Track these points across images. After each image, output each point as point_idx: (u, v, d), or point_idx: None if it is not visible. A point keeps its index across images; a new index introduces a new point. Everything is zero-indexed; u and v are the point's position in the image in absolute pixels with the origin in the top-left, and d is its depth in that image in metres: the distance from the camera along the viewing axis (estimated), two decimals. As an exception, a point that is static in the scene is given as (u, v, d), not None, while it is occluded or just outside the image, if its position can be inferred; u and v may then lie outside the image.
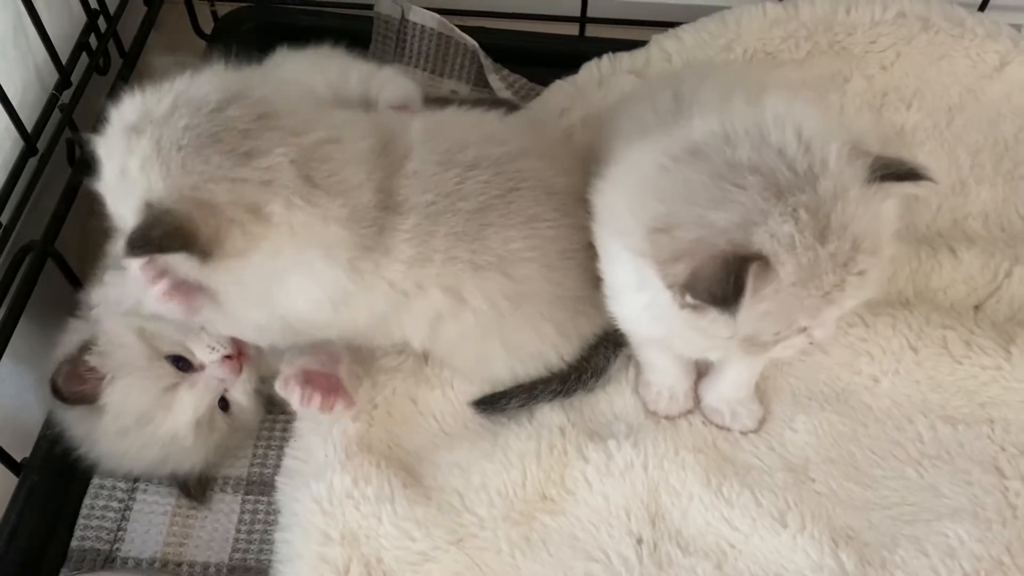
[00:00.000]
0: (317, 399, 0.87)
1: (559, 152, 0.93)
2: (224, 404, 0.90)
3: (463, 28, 1.24)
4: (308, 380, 0.88)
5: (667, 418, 0.93)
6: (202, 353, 0.88)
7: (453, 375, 0.96)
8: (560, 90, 1.18)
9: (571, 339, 0.91)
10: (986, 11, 1.23)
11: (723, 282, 0.64)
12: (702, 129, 0.71)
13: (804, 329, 0.72)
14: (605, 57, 1.19)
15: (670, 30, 1.20)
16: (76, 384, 0.85)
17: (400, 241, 0.80)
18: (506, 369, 0.92)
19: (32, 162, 0.97)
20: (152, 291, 0.79)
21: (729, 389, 0.91)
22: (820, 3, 1.19)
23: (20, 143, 0.97)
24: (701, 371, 0.93)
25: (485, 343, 0.89)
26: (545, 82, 1.21)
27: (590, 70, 1.19)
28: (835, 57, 1.18)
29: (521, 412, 0.92)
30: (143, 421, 0.85)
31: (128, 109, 0.74)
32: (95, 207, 0.96)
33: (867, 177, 0.67)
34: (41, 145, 0.99)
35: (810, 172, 0.66)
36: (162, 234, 0.70)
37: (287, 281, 0.78)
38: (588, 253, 0.86)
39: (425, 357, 0.97)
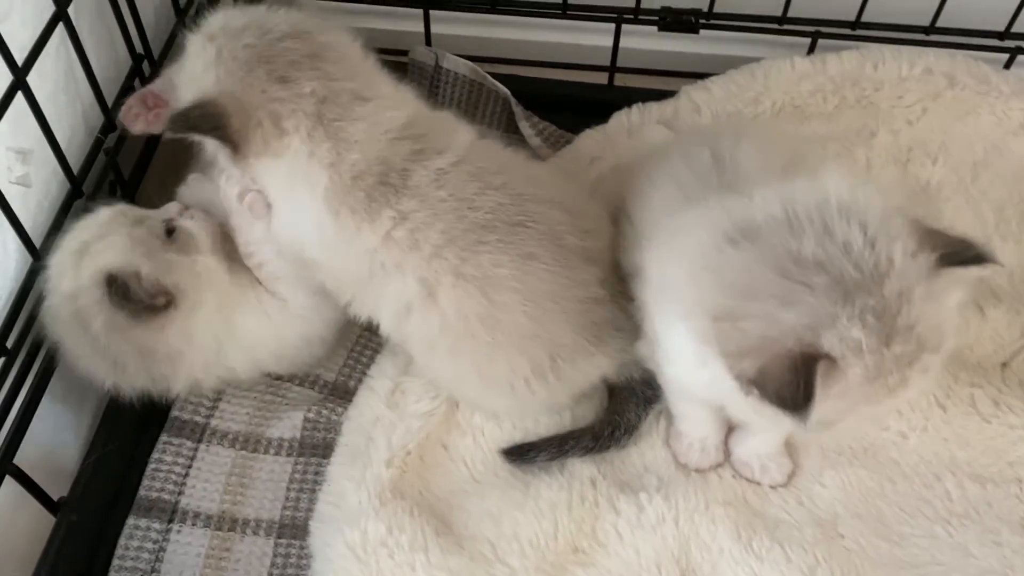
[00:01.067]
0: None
1: (587, 211, 0.94)
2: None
3: (495, 75, 1.26)
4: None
5: (697, 471, 0.93)
6: (171, 213, 0.95)
7: (484, 422, 0.97)
8: (590, 139, 1.20)
9: (548, 381, 0.90)
10: (1012, 68, 1.25)
11: (792, 385, 0.65)
12: (762, 210, 0.71)
13: None
14: (635, 107, 1.21)
15: (699, 82, 1.22)
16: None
17: (387, 218, 0.86)
18: (479, 395, 0.94)
19: (78, 204, 0.99)
20: (231, 191, 0.91)
21: (760, 443, 0.92)
22: (847, 58, 1.21)
23: (67, 185, 0.98)
24: (732, 424, 0.94)
25: (457, 360, 0.90)
26: (575, 130, 1.23)
27: (620, 120, 1.21)
28: (862, 111, 1.20)
29: (551, 464, 0.93)
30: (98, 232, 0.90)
31: (213, 20, 0.88)
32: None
33: (933, 268, 0.68)
34: (86, 187, 1.01)
35: (876, 271, 0.66)
36: (199, 115, 0.84)
37: (285, 198, 0.89)
38: (582, 307, 0.88)
39: (456, 403, 0.98)
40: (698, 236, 0.74)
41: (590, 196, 0.99)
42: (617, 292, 0.90)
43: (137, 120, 1.01)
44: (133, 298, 0.88)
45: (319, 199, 0.86)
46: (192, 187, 1.01)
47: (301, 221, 0.88)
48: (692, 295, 0.73)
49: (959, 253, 0.69)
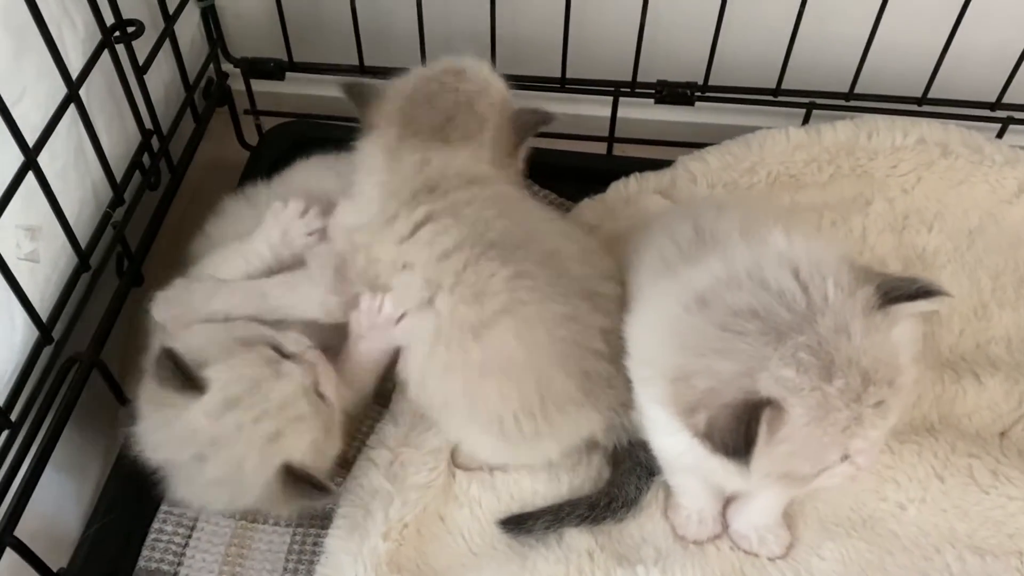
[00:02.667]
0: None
1: (599, 259, 0.96)
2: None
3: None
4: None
5: (695, 543, 0.93)
6: (291, 345, 0.91)
7: (482, 493, 0.98)
8: (589, 208, 1.22)
9: (536, 419, 0.89)
10: (1004, 137, 1.27)
11: (734, 432, 0.65)
12: (707, 275, 0.73)
13: (845, 458, 0.71)
14: (632, 176, 1.23)
15: (696, 152, 1.24)
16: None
17: (422, 212, 0.92)
18: (466, 425, 0.94)
19: (84, 278, 1.01)
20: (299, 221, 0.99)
21: (758, 515, 0.92)
22: (842, 128, 1.23)
23: (74, 259, 1.01)
24: (730, 496, 0.94)
25: (447, 375, 0.91)
26: (573, 198, 1.25)
27: (618, 189, 1.23)
28: (857, 180, 1.22)
29: (549, 534, 0.93)
30: (255, 386, 0.85)
31: None
32: (139, 319, 1.01)
33: (873, 305, 0.67)
34: (93, 261, 1.03)
35: (808, 311, 0.67)
36: None
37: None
38: (574, 350, 0.88)
39: (452, 471, 0.99)
40: (666, 305, 0.76)
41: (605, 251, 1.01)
42: (616, 357, 0.89)
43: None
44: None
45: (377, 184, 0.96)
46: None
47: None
48: (656, 361, 0.74)
49: (901, 288, 0.68)
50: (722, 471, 0.75)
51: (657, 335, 0.75)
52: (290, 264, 1.00)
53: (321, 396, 0.90)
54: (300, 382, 0.87)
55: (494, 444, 0.94)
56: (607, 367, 0.90)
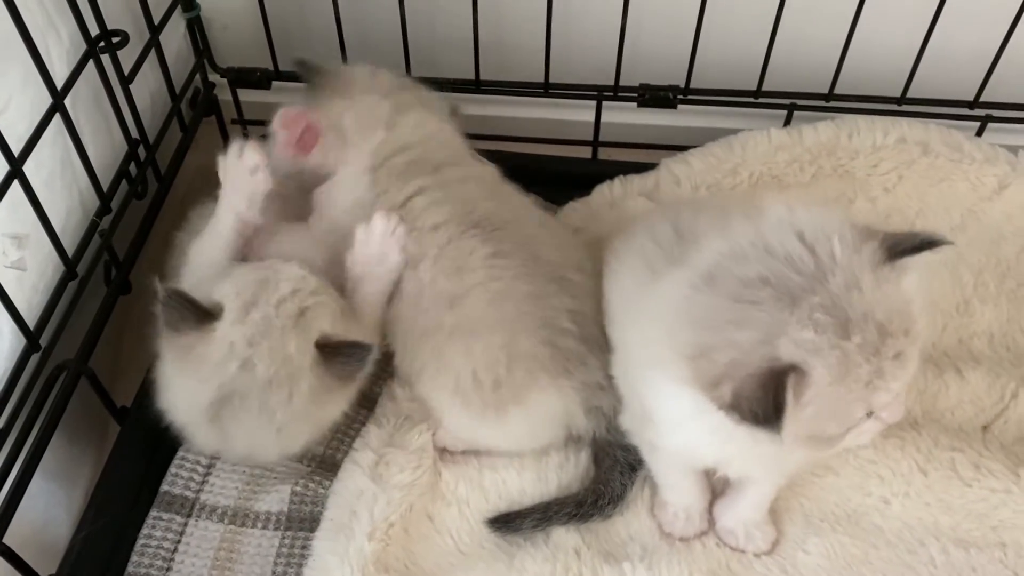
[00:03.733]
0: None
1: (576, 252, 0.99)
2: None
3: (480, 151, 1.29)
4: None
5: (682, 539, 0.94)
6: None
7: (470, 492, 0.98)
8: (574, 211, 1.23)
9: (501, 386, 0.92)
10: (983, 135, 1.28)
11: (763, 401, 0.65)
12: (710, 253, 0.74)
13: (871, 414, 0.71)
14: (617, 180, 1.24)
15: (679, 154, 1.25)
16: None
17: (414, 185, 0.99)
18: (433, 382, 0.96)
19: (72, 286, 1.02)
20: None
21: (747, 510, 0.93)
22: (823, 129, 1.24)
23: (61, 267, 1.01)
24: (717, 492, 0.95)
25: (423, 339, 0.95)
26: (559, 201, 1.25)
27: (602, 192, 1.24)
28: (839, 180, 1.23)
29: (537, 533, 0.94)
30: (262, 284, 0.89)
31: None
32: (126, 326, 1.01)
33: (880, 259, 0.68)
34: (80, 269, 1.04)
35: (818, 271, 0.67)
36: None
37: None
38: (544, 328, 0.92)
39: (438, 470, 0.99)
40: (670, 295, 0.76)
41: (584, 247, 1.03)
42: (589, 339, 0.93)
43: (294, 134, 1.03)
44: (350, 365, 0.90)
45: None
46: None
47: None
48: (669, 345, 0.74)
49: (905, 242, 0.69)
50: (751, 447, 0.75)
51: (665, 321, 0.75)
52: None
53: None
54: (299, 270, 0.91)
55: (459, 410, 0.95)
56: (577, 346, 0.92)
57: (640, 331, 0.81)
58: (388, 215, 0.97)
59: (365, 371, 0.91)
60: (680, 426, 0.80)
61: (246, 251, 1.00)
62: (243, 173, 0.98)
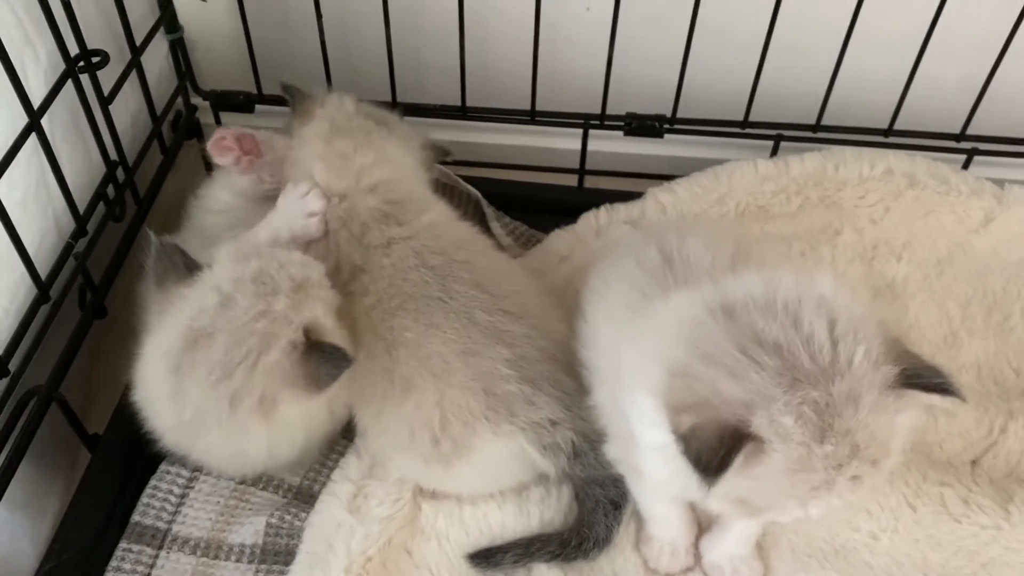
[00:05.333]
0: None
1: (516, 297, 0.97)
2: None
3: (466, 178, 1.29)
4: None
5: (667, 575, 0.92)
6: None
7: (449, 526, 0.96)
8: (559, 239, 1.22)
9: (438, 443, 0.91)
10: (969, 168, 1.28)
11: (712, 451, 0.65)
12: (745, 289, 0.72)
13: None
14: (603, 208, 1.23)
15: (665, 183, 1.25)
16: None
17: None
18: (376, 440, 0.96)
19: (44, 309, 0.99)
20: None
21: (733, 545, 0.91)
22: (810, 159, 1.24)
23: (33, 290, 0.99)
24: (703, 527, 0.93)
25: (365, 403, 0.95)
26: (545, 229, 1.25)
27: (588, 220, 1.23)
28: (826, 211, 1.23)
29: (518, 568, 0.91)
30: (258, 253, 0.87)
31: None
32: (100, 352, 0.99)
33: (891, 384, 0.67)
34: (54, 292, 1.01)
35: (830, 368, 0.66)
36: None
37: None
38: (477, 378, 0.90)
39: (418, 503, 0.97)
40: (682, 310, 0.75)
41: (543, 291, 1.02)
42: (534, 379, 0.92)
43: (227, 154, 1.07)
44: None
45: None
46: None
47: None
48: (659, 351, 0.73)
49: (923, 377, 0.68)
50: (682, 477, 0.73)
51: (666, 333, 0.73)
52: None
53: None
54: (297, 254, 0.88)
55: (409, 465, 0.95)
56: (519, 387, 0.91)
57: (635, 348, 0.79)
58: (300, 184, 0.98)
59: (336, 381, 0.84)
60: (647, 446, 0.78)
61: None
62: (301, 212, 0.98)
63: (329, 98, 1.07)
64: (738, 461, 0.64)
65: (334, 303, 0.90)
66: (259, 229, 0.99)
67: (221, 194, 1.10)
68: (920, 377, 0.68)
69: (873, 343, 0.68)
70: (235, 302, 0.83)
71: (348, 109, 1.06)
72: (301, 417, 0.90)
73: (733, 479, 0.65)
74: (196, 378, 0.83)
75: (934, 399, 0.68)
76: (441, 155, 1.14)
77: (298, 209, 0.99)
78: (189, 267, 0.86)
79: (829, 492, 0.67)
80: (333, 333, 0.88)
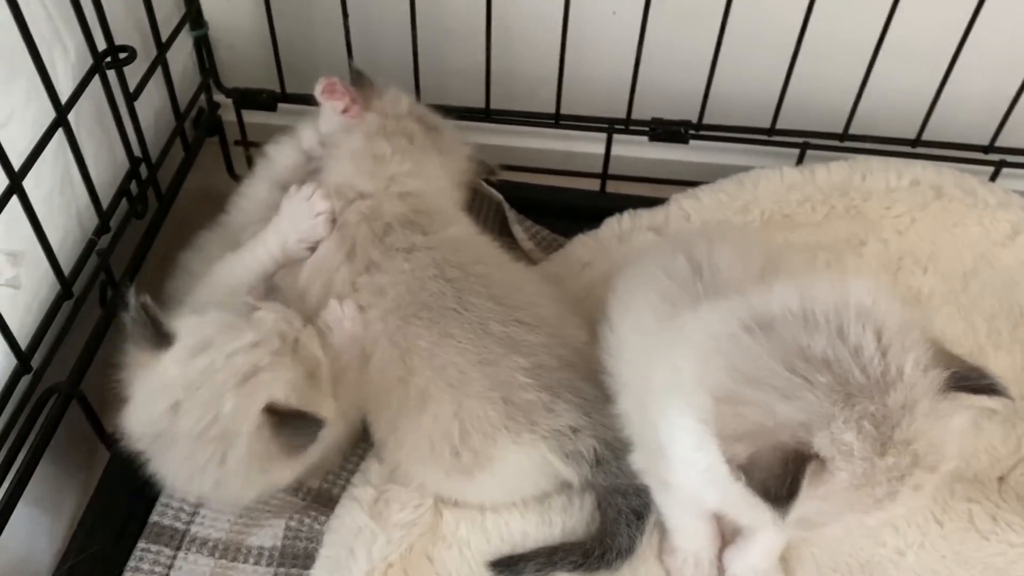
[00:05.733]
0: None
1: (535, 309, 0.96)
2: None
3: (489, 181, 1.28)
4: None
5: (690, 587, 0.91)
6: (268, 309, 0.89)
7: (470, 534, 0.95)
8: (582, 244, 1.21)
9: (458, 455, 0.91)
10: (997, 180, 1.27)
11: (779, 479, 0.63)
12: (780, 303, 0.71)
13: None
14: (626, 214, 1.23)
15: (689, 190, 1.24)
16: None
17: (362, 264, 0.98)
18: (396, 453, 0.95)
19: (67, 306, 0.99)
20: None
21: (757, 558, 0.90)
22: (836, 169, 1.23)
23: (56, 287, 0.98)
24: (727, 539, 0.92)
25: (380, 413, 0.94)
26: (567, 233, 1.24)
27: (611, 225, 1.22)
28: (851, 221, 1.21)
29: (539, 576, 0.91)
30: (224, 328, 0.84)
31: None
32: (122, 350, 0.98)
33: (943, 388, 0.66)
34: (76, 288, 1.01)
35: (883, 380, 0.65)
36: None
37: None
38: (494, 388, 0.90)
39: (440, 510, 0.96)
40: (713, 322, 0.73)
41: (559, 299, 1.01)
42: (553, 386, 0.91)
43: (339, 99, 1.05)
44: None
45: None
46: None
47: None
48: (698, 374, 0.71)
49: (972, 378, 0.67)
50: (736, 501, 0.72)
51: (700, 351, 0.72)
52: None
53: (296, 343, 0.86)
54: (274, 324, 0.84)
55: (430, 476, 0.95)
56: (538, 395, 0.90)
57: (665, 360, 0.78)
58: (304, 186, 0.99)
59: (316, 446, 0.84)
60: (681, 462, 0.78)
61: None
62: (308, 213, 0.98)
63: (388, 92, 1.08)
64: (805, 484, 0.63)
65: (302, 370, 0.85)
66: (267, 236, 0.99)
67: (260, 188, 1.09)
68: (968, 379, 0.67)
69: (921, 349, 0.67)
70: (185, 412, 0.81)
71: (402, 109, 1.07)
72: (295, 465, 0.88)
73: (802, 502, 0.64)
74: (170, 465, 0.84)
75: (983, 400, 0.67)
76: (485, 172, 1.14)
77: (304, 210, 0.98)
78: (160, 338, 0.82)
79: (893, 503, 0.66)
80: (301, 393, 0.84)
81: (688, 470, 0.78)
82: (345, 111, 1.05)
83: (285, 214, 0.99)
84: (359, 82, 1.07)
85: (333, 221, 0.99)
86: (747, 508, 0.70)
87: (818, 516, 0.68)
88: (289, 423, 0.81)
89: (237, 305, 0.89)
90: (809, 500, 0.64)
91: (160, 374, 0.82)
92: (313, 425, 0.81)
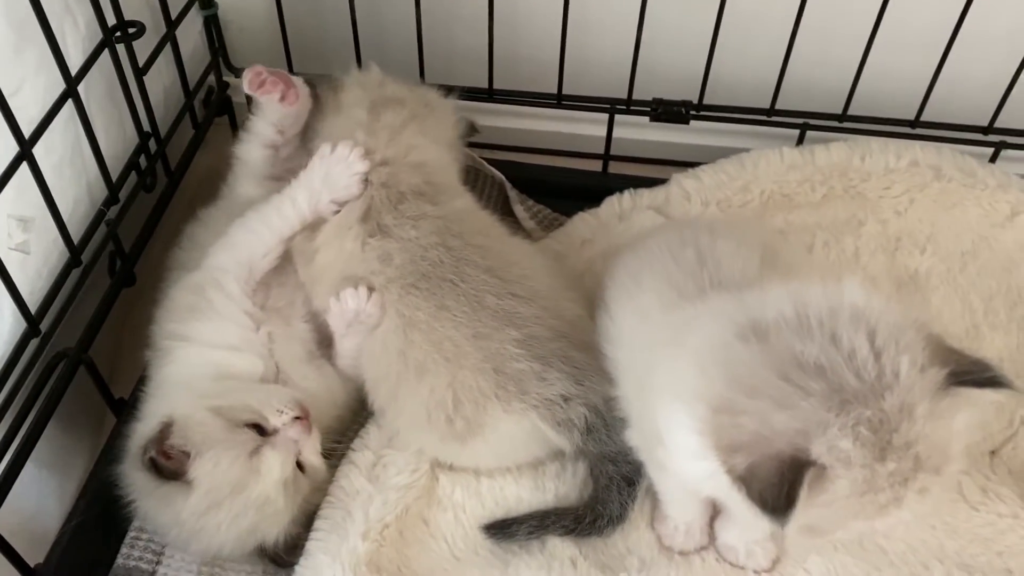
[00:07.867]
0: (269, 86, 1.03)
1: (528, 282, 0.97)
2: (299, 466, 0.92)
3: (491, 161, 1.30)
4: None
5: (681, 553, 0.92)
6: (274, 418, 0.90)
7: (466, 498, 0.97)
8: (583, 222, 1.23)
9: (452, 422, 0.92)
10: (996, 161, 1.28)
11: (776, 488, 0.62)
12: (774, 309, 0.70)
13: None
14: (627, 192, 1.24)
15: (690, 170, 1.25)
16: (164, 460, 0.87)
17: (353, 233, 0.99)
18: (395, 421, 0.98)
19: (75, 273, 1.01)
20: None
21: (746, 528, 0.91)
22: (835, 149, 1.24)
23: (66, 254, 1.01)
24: (718, 508, 0.93)
25: (379, 382, 0.97)
26: (569, 213, 1.25)
27: (612, 204, 1.24)
28: (850, 201, 1.22)
29: (532, 541, 0.92)
30: (236, 489, 0.86)
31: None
32: (130, 319, 1.00)
33: (941, 386, 0.65)
34: (85, 257, 1.03)
35: (878, 383, 0.64)
36: None
37: None
38: (487, 358, 0.91)
39: (436, 475, 0.99)
40: (710, 329, 0.73)
41: (556, 273, 1.03)
42: (545, 356, 0.93)
43: (273, 88, 1.03)
44: None
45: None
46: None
47: None
48: (697, 385, 0.71)
49: (972, 373, 0.66)
50: (741, 506, 0.70)
51: (699, 358, 0.72)
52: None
53: (302, 467, 0.91)
54: (279, 477, 0.88)
55: (426, 442, 0.97)
56: (529, 364, 0.92)
57: (667, 356, 0.77)
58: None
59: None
60: (680, 457, 0.77)
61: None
62: (346, 172, 0.99)
63: (352, 72, 1.10)
64: (803, 492, 0.62)
65: (291, 505, 0.91)
66: (295, 193, 0.99)
67: (248, 188, 1.10)
68: (969, 374, 0.66)
69: (916, 348, 0.66)
70: (198, 541, 0.89)
71: (375, 79, 1.09)
72: None
73: (802, 510, 0.63)
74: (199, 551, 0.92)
75: (987, 394, 0.66)
76: (469, 132, 1.15)
77: (342, 169, 0.99)
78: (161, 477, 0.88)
79: (898, 508, 0.65)
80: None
81: (688, 471, 0.77)
82: (283, 99, 1.04)
83: (318, 173, 0.99)
84: (314, 87, 1.08)
85: (366, 182, 1.00)
86: (750, 515, 0.69)
87: (823, 523, 0.67)
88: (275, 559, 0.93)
89: (244, 406, 0.91)
90: (811, 508, 0.64)
91: (175, 514, 0.88)
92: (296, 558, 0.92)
